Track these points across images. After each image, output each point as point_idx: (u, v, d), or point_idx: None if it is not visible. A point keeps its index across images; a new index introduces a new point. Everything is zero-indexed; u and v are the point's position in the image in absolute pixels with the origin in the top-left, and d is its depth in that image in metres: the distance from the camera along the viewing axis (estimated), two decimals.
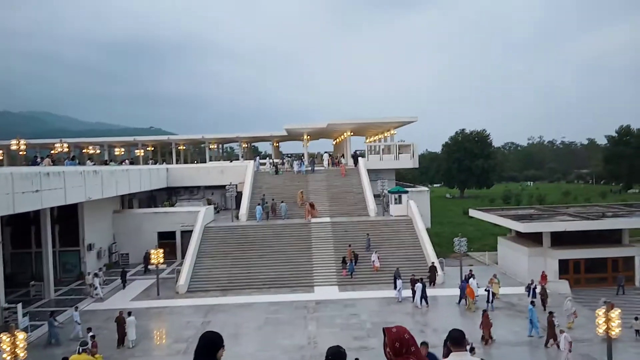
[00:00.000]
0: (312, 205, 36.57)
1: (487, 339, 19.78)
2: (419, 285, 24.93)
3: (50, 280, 27.46)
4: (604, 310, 14.81)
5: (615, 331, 14.73)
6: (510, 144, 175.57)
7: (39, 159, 32.26)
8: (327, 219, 35.94)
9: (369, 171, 43.13)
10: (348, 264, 29.76)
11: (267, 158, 68.45)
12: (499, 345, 19.71)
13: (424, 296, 24.87)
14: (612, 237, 32.30)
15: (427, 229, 35.04)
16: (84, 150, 66.53)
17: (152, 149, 71.03)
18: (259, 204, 37.26)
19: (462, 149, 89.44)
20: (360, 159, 45.41)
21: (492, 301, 24.19)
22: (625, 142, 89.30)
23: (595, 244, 31.32)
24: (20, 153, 39.68)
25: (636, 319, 20.79)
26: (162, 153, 75.19)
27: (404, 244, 32.97)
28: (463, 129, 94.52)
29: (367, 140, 63.16)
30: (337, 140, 71.91)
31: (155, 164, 54.79)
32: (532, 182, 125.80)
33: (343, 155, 53.07)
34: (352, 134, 58.39)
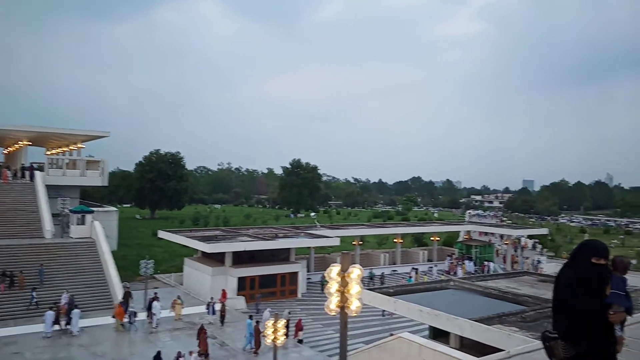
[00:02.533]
0: None
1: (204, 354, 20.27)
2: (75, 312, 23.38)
3: None
4: (273, 321, 17.04)
5: (280, 340, 17.09)
6: (202, 168, 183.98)
7: None
8: None
9: (49, 187, 38.51)
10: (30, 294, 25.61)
11: None
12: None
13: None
14: (282, 256, 37.44)
15: (113, 252, 33.39)
16: None
17: None
18: None
19: (156, 169, 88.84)
20: (37, 172, 40.06)
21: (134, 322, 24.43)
22: (296, 173, 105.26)
23: (269, 262, 35.76)
24: None
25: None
26: None
27: (84, 269, 30.43)
28: (158, 150, 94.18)
29: (49, 153, 56.33)
30: (10, 149, 61.56)
31: None
32: (219, 205, 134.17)
33: (8, 167, 45.41)
34: (30, 143, 51.05)
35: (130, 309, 24.73)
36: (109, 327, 24.42)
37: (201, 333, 21.08)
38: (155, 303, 25.11)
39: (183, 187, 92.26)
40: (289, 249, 38.04)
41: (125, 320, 24.24)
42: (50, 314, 22.90)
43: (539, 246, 58.02)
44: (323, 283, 31.61)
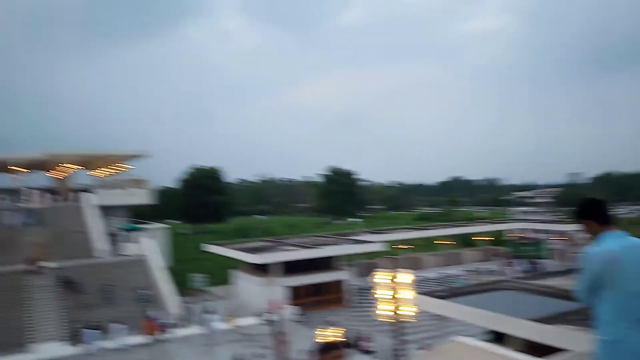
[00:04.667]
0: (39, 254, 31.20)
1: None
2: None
3: None
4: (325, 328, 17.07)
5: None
6: (242, 180, 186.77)
7: None
8: (51, 264, 31.54)
9: (99, 207, 39.92)
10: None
11: None
12: None
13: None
14: (327, 263, 37.41)
15: (166, 267, 34.22)
16: None
17: None
18: None
19: (199, 184, 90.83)
20: (87, 194, 41.64)
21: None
22: (334, 180, 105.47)
23: (315, 270, 35.80)
24: None
25: None
26: None
27: (139, 286, 31.26)
28: (199, 165, 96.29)
29: (96, 174, 58.44)
30: (59, 173, 64.21)
31: None
32: (262, 216, 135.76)
33: (57, 190, 47.21)
34: (77, 167, 53.11)
35: (162, 320, 25.06)
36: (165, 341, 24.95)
37: (277, 338, 21.21)
38: (209, 315, 25.54)
39: (225, 201, 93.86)
40: (333, 256, 38.00)
41: (159, 333, 24.53)
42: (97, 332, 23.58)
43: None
44: (371, 289, 31.33)
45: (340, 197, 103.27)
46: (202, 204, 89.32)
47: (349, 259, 43.36)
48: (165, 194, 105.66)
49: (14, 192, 43.48)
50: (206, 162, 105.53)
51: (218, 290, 39.47)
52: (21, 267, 30.21)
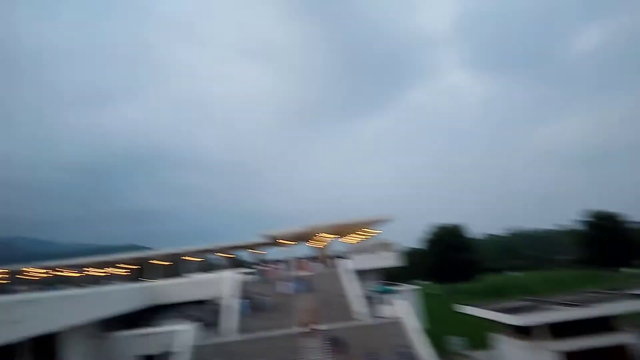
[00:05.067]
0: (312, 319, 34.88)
1: None
2: None
3: None
4: None
5: None
6: (489, 235, 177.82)
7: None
8: (321, 326, 34.66)
9: (354, 272, 42.70)
10: None
11: (251, 266, 67.40)
12: None
13: None
14: (603, 324, 31.89)
15: (421, 329, 34.05)
16: (58, 273, 64.40)
17: (132, 266, 69.28)
18: (244, 298, 38.73)
19: (444, 243, 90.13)
20: (342, 260, 45.15)
21: None
22: (600, 226, 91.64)
23: (588, 333, 30.84)
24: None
25: None
26: (141, 269, 73.26)
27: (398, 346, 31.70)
28: (442, 224, 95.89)
29: (348, 241, 63.22)
30: (317, 243, 71.70)
31: (135, 281, 53.07)
32: (515, 272, 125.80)
33: (318, 258, 52.49)
34: (333, 236, 58.52)
35: None
36: None
37: None
38: None
39: (473, 258, 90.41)
40: (613, 315, 32.27)
41: None
42: None
43: None
44: None
45: (608, 245, 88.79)
46: (449, 262, 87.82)
47: (635, 318, 36.18)
48: (412, 254, 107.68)
49: (284, 263, 50.15)
50: (449, 219, 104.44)
51: (479, 355, 37.23)
52: (296, 329, 33.89)
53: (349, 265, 43.94)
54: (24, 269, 56.48)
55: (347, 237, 64.54)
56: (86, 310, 30.97)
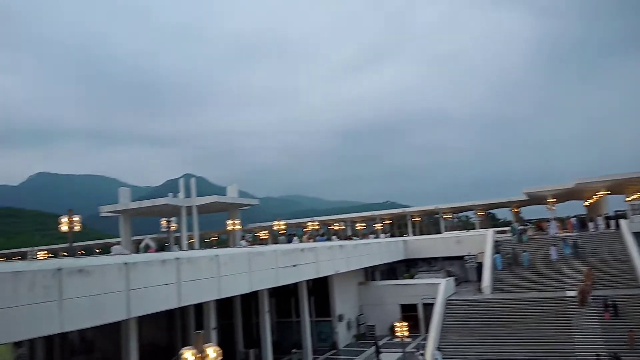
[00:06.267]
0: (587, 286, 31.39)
1: None
2: None
3: (309, 348, 29.80)
4: None
5: None
6: None
7: (295, 238, 37.46)
8: (595, 293, 31.08)
9: (636, 234, 36.55)
10: None
11: (509, 224, 64.36)
12: None
13: None
14: None
15: None
16: (329, 227, 73.18)
17: (389, 222, 73.95)
18: (497, 253, 37.86)
19: None
20: (622, 220, 38.99)
21: None
22: None
23: None
24: (280, 232, 45.92)
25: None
26: (398, 225, 77.57)
27: None
28: None
29: (629, 199, 54.22)
30: (590, 201, 63.55)
31: (392, 236, 56.52)
32: None
33: (591, 218, 45.84)
34: (608, 192, 51.00)
35: None
36: None
37: None
38: None
39: None
40: None
41: None
42: None
43: None
44: None
45: None
46: None
47: None
48: None
49: (548, 222, 46.06)
50: None
51: None
52: (568, 294, 31.07)
53: (629, 226, 37.73)
54: (305, 221, 65.93)
55: (627, 193, 55.36)
56: (354, 260, 34.56)
